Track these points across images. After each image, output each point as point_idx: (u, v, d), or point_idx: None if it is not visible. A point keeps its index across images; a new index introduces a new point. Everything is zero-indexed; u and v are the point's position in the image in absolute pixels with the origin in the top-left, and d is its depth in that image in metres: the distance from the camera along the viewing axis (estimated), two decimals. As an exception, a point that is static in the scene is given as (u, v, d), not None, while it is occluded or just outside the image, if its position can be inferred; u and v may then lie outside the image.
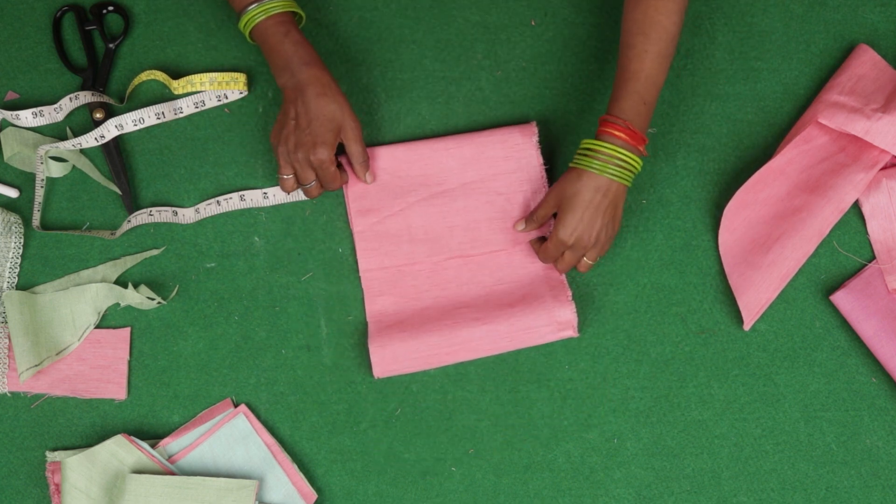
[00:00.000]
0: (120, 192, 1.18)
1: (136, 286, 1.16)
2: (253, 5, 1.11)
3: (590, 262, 1.13)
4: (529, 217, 1.15)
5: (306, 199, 1.18)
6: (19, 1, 1.22)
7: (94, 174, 1.18)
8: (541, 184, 1.19)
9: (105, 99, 1.19)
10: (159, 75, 1.19)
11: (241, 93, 1.20)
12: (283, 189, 1.14)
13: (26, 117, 1.18)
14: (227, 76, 1.19)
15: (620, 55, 1.10)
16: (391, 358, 1.14)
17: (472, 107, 1.21)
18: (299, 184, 1.13)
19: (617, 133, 1.08)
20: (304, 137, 1.10)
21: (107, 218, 1.19)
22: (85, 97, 1.18)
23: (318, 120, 1.10)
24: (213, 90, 1.19)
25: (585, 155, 1.09)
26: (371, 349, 1.14)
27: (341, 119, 1.11)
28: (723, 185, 1.20)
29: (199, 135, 1.20)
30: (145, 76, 1.19)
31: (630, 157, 1.08)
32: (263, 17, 1.10)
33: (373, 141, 1.20)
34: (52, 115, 1.19)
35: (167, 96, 1.20)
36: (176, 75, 1.20)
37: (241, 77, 1.19)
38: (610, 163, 1.08)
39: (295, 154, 1.11)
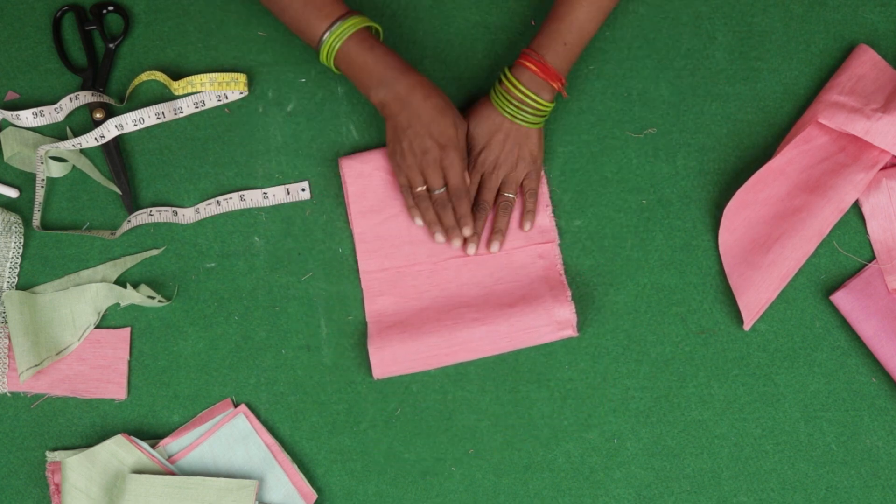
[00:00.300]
0: (120, 192, 1.18)
1: (135, 286, 1.16)
2: (327, 33, 1.09)
3: (510, 196, 1.15)
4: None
5: (306, 199, 1.18)
6: (19, 1, 1.22)
7: (94, 174, 1.18)
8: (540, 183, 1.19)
9: (105, 99, 1.19)
10: (159, 76, 1.19)
11: (241, 93, 1.20)
12: (425, 222, 1.15)
13: (27, 117, 1.18)
14: (227, 76, 1.19)
15: (554, 3, 1.12)
16: (391, 359, 1.14)
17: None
18: (428, 190, 1.13)
19: (528, 65, 1.11)
20: (427, 142, 1.10)
21: (107, 218, 1.19)
22: (85, 97, 1.18)
23: (437, 121, 1.09)
24: (213, 90, 1.19)
25: (497, 92, 1.12)
26: (370, 350, 1.14)
27: (454, 116, 1.10)
28: (723, 185, 1.20)
29: (199, 135, 1.20)
30: (145, 76, 1.19)
31: (530, 99, 1.11)
32: (341, 41, 1.09)
33: (373, 141, 1.20)
34: (52, 114, 1.19)
35: (167, 96, 1.20)
36: (176, 76, 1.20)
37: (242, 77, 1.19)
38: (511, 102, 1.11)
39: (424, 158, 1.10)
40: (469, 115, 1.15)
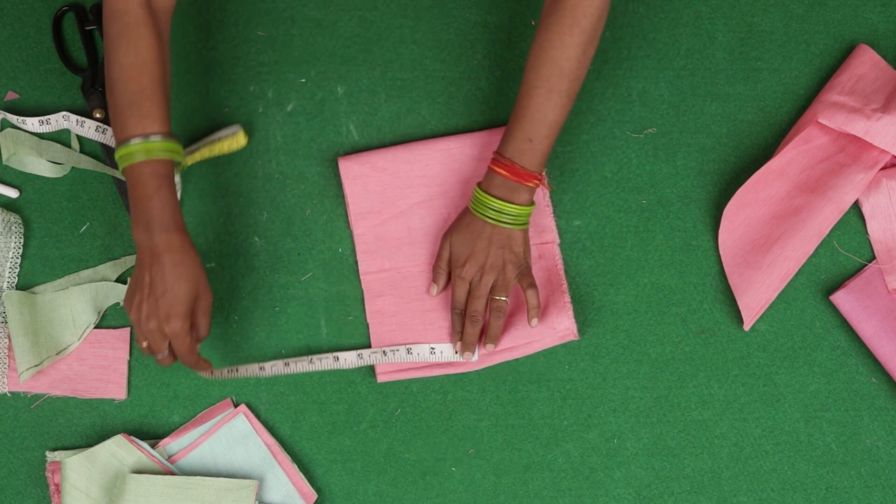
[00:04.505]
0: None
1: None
2: (137, 139, 1.02)
3: (502, 299, 1.12)
4: (435, 265, 1.15)
5: (469, 356, 1.15)
6: (19, 1, 1.22)
7: (98, 167, 1.17)
8: (541, 184, 1.19)
9: (108, 140, 1.17)
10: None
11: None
12: (142, 352, 1.08)
13: (33, 124, 1.18)
14: (225, 142, 1.17)
15: (519, 87, 1.10)
16: (396, 367, 1.15)
17: (472, 107, 1.21)
18: (152, 353, 1.06)
19: (498, 170, 1.09)
20: (157, 307, 1.03)
21: (107, 218, 1.19)
22: (90, 129, 1.17)
23: (173, 290, 1.03)
24: (214, 154, 1.18)
25: (475, 203, 1.10)
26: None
27: (196, 290, 1.04)
28: (723, 185, 1.20)
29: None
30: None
31: (508, 207, 1.09)
32: (143, 157, 1.02)
33: (373, 141, 1.20)
34: (58, 122, 1.18)
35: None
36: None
37: (240, 133, 1.18)
38: (492, 209, 1.09)
39: (147, 323, 1.04)
40: (452, 227, 1.13)
